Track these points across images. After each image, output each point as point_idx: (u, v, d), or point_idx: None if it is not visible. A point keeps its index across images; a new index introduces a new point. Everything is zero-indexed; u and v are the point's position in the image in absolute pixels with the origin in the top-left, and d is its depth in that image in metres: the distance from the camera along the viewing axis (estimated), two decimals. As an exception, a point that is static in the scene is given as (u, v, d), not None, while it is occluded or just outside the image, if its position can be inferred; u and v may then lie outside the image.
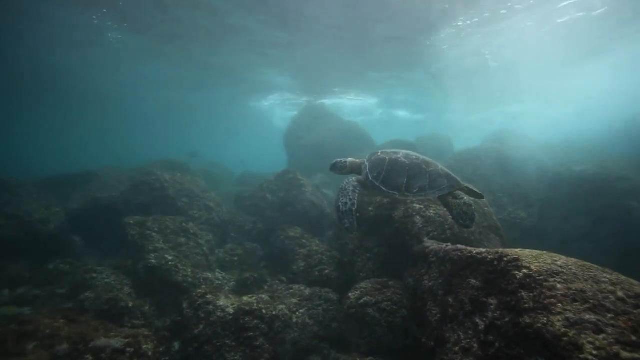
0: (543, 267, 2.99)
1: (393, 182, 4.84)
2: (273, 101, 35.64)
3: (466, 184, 5.11)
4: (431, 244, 4.69)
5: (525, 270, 3.03)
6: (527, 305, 2.80)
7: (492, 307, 3.16)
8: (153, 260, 7.28)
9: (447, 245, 4.28)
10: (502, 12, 14.75)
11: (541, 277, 2.90)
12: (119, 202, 10.69)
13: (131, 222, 8.21)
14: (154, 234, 8.08)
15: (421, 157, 5.09)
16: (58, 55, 21.86)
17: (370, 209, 6.71)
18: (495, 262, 3.37)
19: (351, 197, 5.07)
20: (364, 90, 29.87)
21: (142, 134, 69.92)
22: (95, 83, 29.04)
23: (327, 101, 31.29)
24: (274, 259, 8.78)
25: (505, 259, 3.29)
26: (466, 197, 5.04)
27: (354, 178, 5.36)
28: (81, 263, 8.40)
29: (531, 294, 2.84)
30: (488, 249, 3.67)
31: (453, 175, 5.01)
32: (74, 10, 15.70)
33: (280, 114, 41.06)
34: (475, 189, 5.15)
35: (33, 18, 16.48)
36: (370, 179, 5.01)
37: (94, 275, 7.10)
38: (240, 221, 10.88)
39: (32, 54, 21.44)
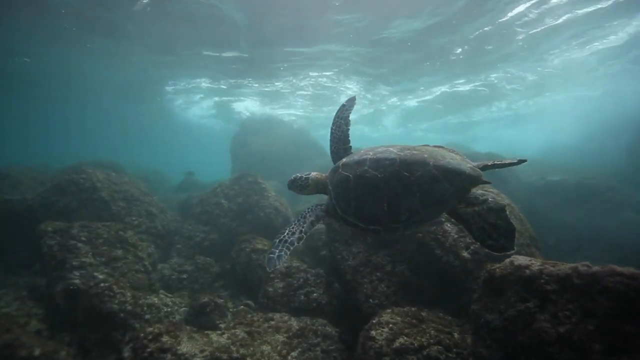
0: None
1: (369, 212, 3.18)
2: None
3: (490, 161, 3.27)
4: (531, 262, 2.76)
5: None
6: None
7: None
8: (77, 281, 5.54)
9: (584, 265, 2.49)
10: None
11: None
12: (35, 205, 8.56)
13: (49, 229, 6.34)
14: (80, 244, 6.28)
15: (398, 157, 3.21)
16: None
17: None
18: None
19: (304, 228, 3.47)
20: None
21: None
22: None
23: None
24: (234, 277, 7.27)
25: None
26: (491, 197, 3.21)
27: (322, 207, 3.68)
28: (-27, 284, 6.35)
29: None
30: None
31: (456, 165, 3.08)
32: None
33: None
34: (505, 161, 3.22)
35: None
36: (340, 213, 3.38)
37: (-11, 301, 5.20)
38: (189, 230, 9.20)
39: None
